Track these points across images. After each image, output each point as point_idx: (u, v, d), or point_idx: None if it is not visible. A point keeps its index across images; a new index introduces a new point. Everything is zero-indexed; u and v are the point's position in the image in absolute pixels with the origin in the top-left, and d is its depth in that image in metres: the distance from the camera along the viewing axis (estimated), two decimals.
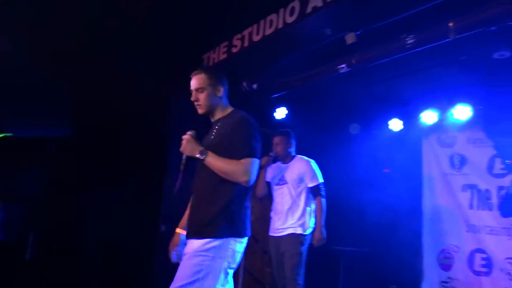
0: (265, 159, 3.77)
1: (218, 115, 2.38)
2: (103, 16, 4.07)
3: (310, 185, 3.76)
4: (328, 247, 4.06)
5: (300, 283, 3.60)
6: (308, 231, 3.73)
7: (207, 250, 2.10)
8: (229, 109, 2.40)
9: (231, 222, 2.18)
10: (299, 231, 3.68)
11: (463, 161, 4.77)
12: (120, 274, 4.43)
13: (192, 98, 2.36)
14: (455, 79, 4.26)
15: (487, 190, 4.50)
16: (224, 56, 4.42)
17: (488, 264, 4.39)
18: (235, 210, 2.21)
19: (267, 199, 4.06)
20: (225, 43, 4.41)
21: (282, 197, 3.82)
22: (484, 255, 4.44)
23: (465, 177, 4.72)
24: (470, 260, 4.56)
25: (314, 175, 3.78)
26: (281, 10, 3.66)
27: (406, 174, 5.13)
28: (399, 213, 4.98)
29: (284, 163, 3.93)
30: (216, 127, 2.35)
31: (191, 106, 5.12)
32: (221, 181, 2.18)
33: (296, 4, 3.49)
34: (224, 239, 2.14)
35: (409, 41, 3.21)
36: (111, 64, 4.45)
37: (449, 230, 4.80)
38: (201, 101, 2.34)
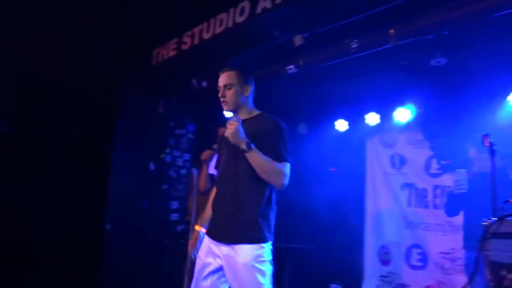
0: (207, 152, 3.68)
1: (244, 115, 2.35)
2: (47, 11, 3.92)
3: None
4: (274, 244, 4.13)
5: None
6: None
7: (262, 254, 2.15)
8: (256, 111, 2.41)
9: (269, 225, 2.24)
10: None
11: (402, 161, 5.02)
12: (67, 273, 4.29)
13: (220, 94, 2.35)
14: (397, 83, 4.48)
15: (424, 189, 4.77)
16: (174, 52, 4.38)
17: (424, 258, 4.66)
18: (273, 213, 2.29)
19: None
20: (175, 40, 4.38)
21: None
22: (420, 250, 4.71)
23: (404, 176, 4.97)
24: (408, 255, 4.82)
25: None
26: (231, 10, 3.68)
27: (351, 173, 5.32)
28: (343, 211, 5.17)
29: None
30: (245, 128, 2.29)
31: (139, 102, 5.05)
32: (261, 183, 2.20)
33: (246, 5, 3.53)
34: (268, 243, 2.21)
35: (353, 46, 3.35)
36: (56, 59, 4.28)
37: (389, 227, 5.04)
38: (228, 97, 2.32)
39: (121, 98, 4.76)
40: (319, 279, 5.09)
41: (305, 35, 3.44)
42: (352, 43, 3.36)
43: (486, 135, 2.91)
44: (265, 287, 2.12)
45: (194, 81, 4.60)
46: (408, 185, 4.91)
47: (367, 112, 4.96)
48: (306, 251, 5.30)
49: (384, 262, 5.02)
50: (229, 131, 2.16)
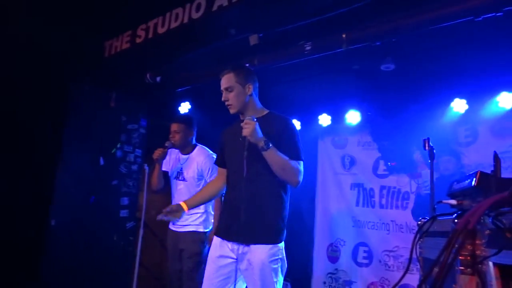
0: (159, 151, 3.53)
1: (251, 113, 2.34)
2: None
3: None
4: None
5: (199, 280, 3.56)
6: (210, 229, 3.64)
7: (276, 253, 2.24)
8: (265, 110, 2.45)
9: (285, 225, 2.34)
10: (200, 229, 3.58)
11: (352, 161, 5.19)
12: (4, 268, 4.10)
13: (223, 98, 2.36)
14: (348, 86, 4.62)
15: (371, 189, 4.95)
16: (127, 45, 4.29)
17: (369, 256, 4.85)
18: (287, 213, 2.37)
19: (164, 192, 3.93)
20: (129, 32, 4.28)
21: (181, 192, 3.65)
22: (366, 248, 4.89)
23: (354, 177, 5.14)
24: (354, 253, 4.99)
25: (214, 172, 3.55)
26: (188, 5, 3.66)
27: (303, 172, 5.42)
28: (294, 209, 5.21)
29: (183, 154, 3.70)
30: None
31: (90, 94, 4.89)
32: (279, 184, 2.27)
33: (203, 1, 3.52)
34: (282, 242, 2.31)
35: (307, 48, 3.42)
36: (9, 45, 4.07)
37: (338, 225, 5.19)
38: (231, 100, 2.35)
39: (72, 90, 4.61)
40: None
41: (260, 35, 3.48)
42: (306, 45, 3.44)
43: (427, 139, 3.07)
44: (278, 284, 2.24)
45: (148, 76, 4.52)
46: (357, 185, 5.08)
47: (319, 113, 5.08)
48: None
49: (332, 259, 5.17)
50: (247, 130, 2.17)
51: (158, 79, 4.46)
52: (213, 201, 3.68)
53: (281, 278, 2.28)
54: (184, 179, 3.67)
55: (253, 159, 2.25)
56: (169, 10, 3.83)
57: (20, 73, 4.25)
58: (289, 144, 2.29)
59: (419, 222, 1.92)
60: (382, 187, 4.84)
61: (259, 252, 2.23)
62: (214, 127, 5.26)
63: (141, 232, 4.14)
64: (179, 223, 3.62)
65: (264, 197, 2.29)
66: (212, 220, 3.68)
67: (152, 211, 5.02)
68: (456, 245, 1.02)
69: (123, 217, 4.91)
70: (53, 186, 4.35)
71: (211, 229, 3.66)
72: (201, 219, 3.61)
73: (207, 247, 3.59)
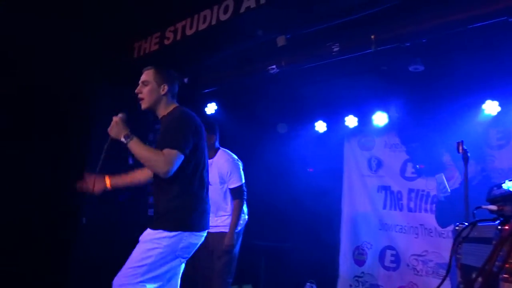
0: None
1: (162, 112, 2.45)
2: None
3: (230, 186, 3.64)
4: (250, 242, 4.17)
5: (229, 281, 3.60)
6: (239, 228, 3.67)
7: (159, 239, 2.22)
8: (173, 106, 2.46)
9: (186, 215, 2.29)
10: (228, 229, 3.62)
11: (379, 164, 5.12)
12: (34, 263, 4.23)
13: (136, 90, 2.45)
14: (376, 87, 4.56)
15: (399, 192, 4.87)
16: (156, 47, 4.36)
17: (397, 259, 4.77)
18: (190, 204, 2.31)
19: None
20: (158, 34, 4.36)
21: (212, 197, 3.72)
22: (394, 252, 4.82)
23: (381, 179, 5.07)
24: (382, 256, 4.93)
25: (234, 176, 3.64)
26: (216, 7, 3.69)
27: (328, 173, 5.39)
28: (320, 211, 5.24)
29: (209, 159, 3.81)
30: (160, 125, 2.46)
31: (119, 95, 4.98)
32: (176, 173, 2.24)
33: (231, 3, 3.55)
34: (178, 232, 2.24)
35: (334, 49, 3.40)
36: (34, 50, 4.20)
37: (364, 228, 5.14)
38: (143, 94, 2.43)
39: (101, 91, 4.70)
40: (294, 278, 5.16)
41: (287, 36, 3.48)
42: (333, 47, 3.42)
43: (460, 142, 3.00)
44: (144, 264, 2.20)
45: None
46: (384, 188, 5.01)
47: (346, 115, 5.04)
48: (282, 250, 5.36)
49: (359, 262, 5.11)
50: (110, 126, 2.35)
51: (185, 80, 4.52)
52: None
53: (156, 267, 2.23)
54: (209, 184, 3.71)
55: None
56: (197, 12, 3.87)
57: (52, 73, 4.37)
58: (166, 133, 2.31)
59: (457, 228, 1.87)
60: (411, 190, 4.75)
61: (146, 233, 2.34)
62: (240, 127, 5.32)
63: None
64: (211, 224, 3.67)
65: (159, 184, 2.36)
66: (241, 221, 3.71)
67: None
68: (502, 253, 0.99)
69: (151, 215, 4.97)
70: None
71: (241, 230, 3.71)
72: (228, 220, 3.65)
73: (237, 247, 3.65)
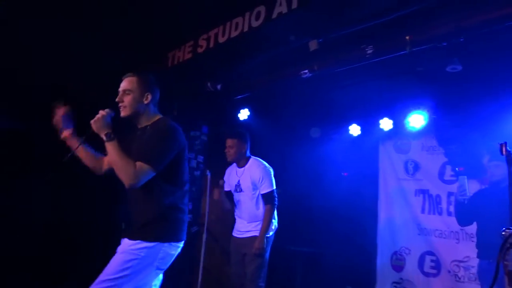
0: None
1: (144, 122, 2.36)
2: (63, 11, 4.01)
3: (262, 192, 3.72)
4: (286, 247, 4.17)
5: (262, 285, 3.64)
6: (270, 233, 3.73)
7: (138, 249, 2.17)
8: (157, 117, 2.38)
9: (165, 226, 2.25)
10: None
11: (416, 167, 5.00)
12: (79, 268, 4.37)
13: (117, 99, 2.33)
14: (411, 88, 4.47)
15: (437, 195, 4.74)
16: (189, 55, 4.44)
17: (437, 265, 4.64)
18: (169, 214, 2.27)
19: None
20: (191, 43, 4.44)
21: (241, 203, 3.84)
22: (434, 257, 4.69)
23: (418, 183, 4.95)
24: (421, 262, 4.80)
25: (265, 182, 3.72)
26: (247, 14, 3.73)
27: (363, 178, 5.32)
28: (356, 215, 5.17)
29: (239, 167, 3.90)
30: (140, 133, 2.35)
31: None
32: (156, 184, 2.21)
33: (262, 9, 3.57)
34: (158, 243, 2.20)
35: (368, 51, 3.36)
36: (74, 58, 4.36)
37: (402, 233, 5.02)
38: (125, 103, 2.31)
39: None
40: (331, 284, 5.11)
41: (320, 40, 3.46)
42: (367, 49, 3.38)
43: (504, 144, 2.88)
44: (121, 276, 2.14)
45: (208, 84, 4.65)
46: (422, 191, 4.89)
47: (380, 117, 4.96)
48: (319, 256, 5.32)
49: (397, 268, 5.00)
50: (94, 119, 2.22)
51: (218, 87, 4.58)
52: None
53: (134, 279, 2.18)
54: (241, 190, 3.84)
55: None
56: (229, 20, 3.92)
57: (87, 83, 4.52)
58: (146, 145, 2.23)
59: (504, 233, 1.79)
60: (450, 194, 4.62)
61: (125, 243, 2.26)
62: (273, 132, 5.33)
63: (204, 236, 4.27)
64: (242, 229, 3.81)
65: (139, 193, 2.28)
66: (272, 227, 3.76)
67: (212, 216, 5.16)
68: None
69: (188, 221, 5.05)
70: (122, 190, 4.55)
71: (271, 236, 3.76)
72: (260, 225, 3.71)
73: (268, 252, 3.70)
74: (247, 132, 3.96)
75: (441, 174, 4.77)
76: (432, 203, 4.80)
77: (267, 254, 3.71)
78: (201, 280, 4.06)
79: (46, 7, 3.86)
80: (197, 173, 5.26)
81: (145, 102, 2.33)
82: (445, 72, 3.79)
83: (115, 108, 2.32)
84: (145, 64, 4.72)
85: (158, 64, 4.79)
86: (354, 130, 5.24)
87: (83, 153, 2.46)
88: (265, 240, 3.66)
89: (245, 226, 3.77)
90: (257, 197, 3.75)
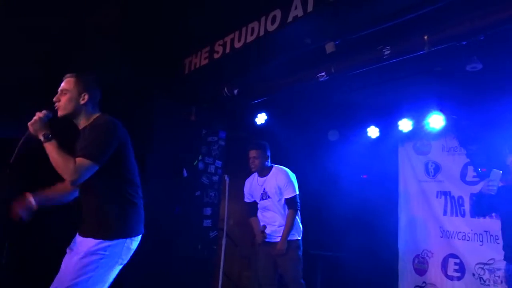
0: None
1: (83, 122, 2.37)
2: (82, 17, 4.08)
3: (286, 197, 3.88)
4: (306, 251, 4.15)
5: (302, 282, 3.80)
6: (299, 237, 3.89)
7: (103, 248, 2.18)
8: (95, 115, 2.38)
9: (123, 222, 2.25)
10: (294, 237, 3.84)
11: (437, 168, 4.93)
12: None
13: (54, 99, 2.35)
14: (430, 88, 4.41)
15: (460, 197, 4.66)
16: (206, 61, 4.47)
17: (461, 268, 4.55)
18: (127, 210, 2.28)
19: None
20: (207, 49, 4.47)
21: (269, 208, 3.95)
22: (457, 260, 4.60)
23: (439, 184, 4.88)
24: (444, 265, 4.72)
25: (289, 187, 3.88)
26: (263, 18, 3.74)
27: (382, 180, 5.27)
28: (375, 218, 5.11)
29: (261, 177, 4.03)
30: (81, 134, 2.36)
31: (172, 110, 5.16)
32: (104, 180, 2.23)
33: (278, 13, 3.58)
34: (120, 240, 2.22)
35: (385, 52, 3.33)
36: (88, 67, 4.45)
37: (424, 236, 4.95)
38: (61, 103, 2.32)
39: (155, 106, 4.89)
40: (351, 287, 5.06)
41: (336, 42, 3.45)
42: (384, 50, 3.35)
43: None
44: (83, 280, 2.13)
45: (225, 89, 4.67)
46: (444, 193, 4.82)
47: (399, 119, 4.91)
48: (338, 259, 5.28)
49: (419, 271, 4.93)
50: (31, 121, 2.21)
51: (235, 91, 4.59)
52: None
53: (96, 278, 2.17)
54: (269, 197, 3.95)
55: None
56: (245, 25, 3.94)
57: (105, 90, 4.60)
58: (84, 141, 2.23)
59: None
60: (473, 195, 4.53)
61: (84, 244, 2.24)
62: (290, 135, 5.33)
63: (224, 241, 4.28)
64: (273, 234, 3.89)
65: (93, 192, 2.30)
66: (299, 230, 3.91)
67: (230, 221, 5.17)
68: None
69: (207, 226, 5.09)
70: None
71: (300, 239, 3.92)
72: (292, 231, 3.85)
73: (300, 253, 3.89)
74: (267, 142, 4.11)
75: (463, 175, 4.69)
76: (455, 205, 4.72)
77: (301, 254, 3.88)
78: (221, 285, 4.06)
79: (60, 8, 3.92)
80: (216, 178, 5.29)
81: (82, 102, 2.33)
82: (464, 71, 3.74)
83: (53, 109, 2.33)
84: (162, 71, 4.78)
85: (175, 71, 4.84)
86: (373, 132, 5.20)
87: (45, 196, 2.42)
88: (298, 243, 3.87)
89: (276, 231, 3.87)
90: (284, 204, 3.91)
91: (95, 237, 2.20)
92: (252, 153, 3.99)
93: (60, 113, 2.33)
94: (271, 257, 3.88)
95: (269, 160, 4.03)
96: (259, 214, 4.06)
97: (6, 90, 4.02)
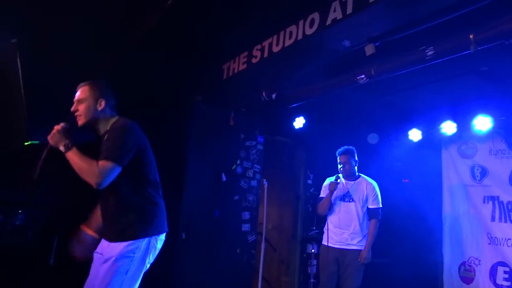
0: (333, 185, 3.98)
1: (103, 128, 2.41)
2: (122, 25, 4.21)
3: (371, 206, 3.98)
4: None
5: None
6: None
7: (132, 250, 2.24)
8: (113, 119, 2.42)
9: (147, 221, 2.31)
10: (363, 247, 3.94)
11: (484, 172, 4.75)
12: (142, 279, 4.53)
13: (72, 109, 2.39)
14: (475, 89, 4.27)
15: (509, 202, 4.47)
16: (244, 66, 4.51)
17: (511, 277, 4.35)
18: (148, 209, 2.33)
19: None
20: (245, 54, 4.51)
21: (349, 213, 4.00)
22: (507, 268, 4.41)
23: (486, 189, 4.70)
24: (493, 273, 4.53)
25: (376, 198, 4.02)
26: (301, 22, 3.74)
27: (425, 184, 5.13)
28: (419, 224, 4.99)
29: (349, 180, 4.10)
30: (102, 141, 2.38)
31: (211, 115, 5.24)
32: (125, 183, 2.28)
33: (316, 16, 3.57)
34: (146, 238, 2.28)
35: (428, 53, 3.25)
36: (130, 75, 4.57)
37: (470, 243, 4.77)
38: (80, 111, 2.37)
39: (195, 112, 4.98)
40: None
41: (376, 44, 3.40)
42: (427, 50, 3.27)
43: None
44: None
45: (263, 94, 4.70)
46: (491, 198, 4.63)
47: (442, 121, 4.77)
48: (381, 266, 5.16)
49: (466, 280, 4.75)
50: (50, 134, 2.27)
51: (273, 96, 4.61)
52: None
53: (133, 275, 2.25)
54: (352, 200, 4.03)
55: None
56: (283, 29, 3.95)
57: (145, 97, 4.72)
58: (104, 145, 2.26)
59: None
60: None
61: (112, 248, 2.30)
62: (328, 139, 5.28)
63: (263, 246, 4.29)
64: (342, 240, 3.97)
65: (114, 196, 2.33)
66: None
67: (268, 225, 5.17)
68: None
69: (245, 231, 5.12)
70: (182, 201, 4.71)
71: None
72: (364, 239, 3.98)
73: None
74: (355, 148, 4.19)
75: None
76: (503, 210, 4.52)
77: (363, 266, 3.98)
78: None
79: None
80: (254, 182, 5.31)
81: (99, 108, 2.38)
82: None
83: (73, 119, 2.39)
84: (201, 78, 4.87)
85: (213, 77, 4.91)
86: (415, 135, 5.07)
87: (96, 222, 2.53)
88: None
89: (347, 238, 3.94)
90: (365, 211, 4.00)
91: (122, 240, 2.26)
92: (343, 158, 4.09)
93: (80, 122, 2.38)
94: (337, 264, 3.95)
95: (357, 167, 4.14)
96: (331, 216, 4.09)
97: (49, 95, 4.20)
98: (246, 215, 5.17)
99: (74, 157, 2.22)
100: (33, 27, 3.75)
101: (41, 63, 3.77)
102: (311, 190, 5.70)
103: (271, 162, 5.64)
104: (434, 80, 4.26)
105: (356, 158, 4.12)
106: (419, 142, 5.10)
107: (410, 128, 5.08)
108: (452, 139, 4.96)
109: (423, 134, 5.03)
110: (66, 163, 2.33)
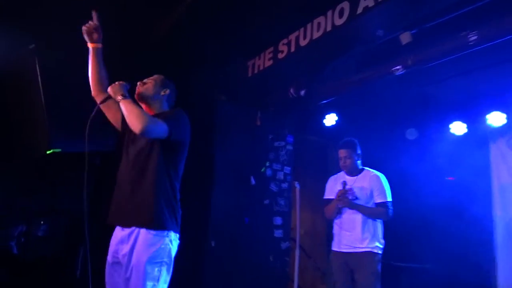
0: (342, 192, 3.80)
1: (155, 110, 2.57)
2: (149, 22, 4.27)
3: (377, 201, 3.73)
4: (387, 263, 3.99)
5: None
6: (380, 251, 3.74)
7: (164, 237, 2.32)
8: (167, 110, 2.60)
9: (173, 216, 2.38)
10: (376, 250, 3.70)
11: None
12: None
13: (140, 81, 2.59)
14: None
15: None
16: (270, 62, 4.49)
17: None
18: (174, 205, 2.41)
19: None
20: (271, 49, 4.49)
21: (354, 212, 3.79)
22: None
23: None
24: None
25: (382, 191, 3.76)
26: (329, 12, 3.69)
27: (472, 182, 4.96)
28: (466, 225, 4.82)
29: (351, 176, 3.90)
30: None
31: (236, 115, 5.23)
32: (164, 172, 2.37)
33: (346, 5, 3.51)
34: (172, 231, 2.36)
35: (471, 38, 3.15)
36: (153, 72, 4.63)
37: None
38: (147, 84, 2.58)
39: (218, 111, 4.99)
40: None
41: (413, 31, 3.32)
42: (470, 35, 3.16)
43: None
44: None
45: (291, 90, 4.66)
46: None
47: (489, 112, 4.60)
48: (424, 272, 5.04)
49: None
50: (111, 85, 2.42)
51: (302, 92, 4.56)
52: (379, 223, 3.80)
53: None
54: (356, 198, 3.82)
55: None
56: (310, 21, 3.91)
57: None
58: (163, 116, 2.42)
59: None
60: None
61: (142, 238, 2.36)
62: (363, 137, 5.18)
63: (297, 253, 4.24)
64: (350, 244, 3.76)
65: (144, 181, 2.41)
66: (381, 245, 3.76)
67: (301, 231, 5.12)
68: None
69: (278, 237, 5.08)
70: (210, 208, 4.72)
71: (382, 252, 3.77)
72: (375, 239, 3.74)
73: (380, 268, 3.72)
74: (357, 139, 3.98)
75: None
76: None
77: (380, 269, 3.71)
78: None
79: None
80: (285, 185, 5.27)
81: (162, 93, 2.58)
82: None
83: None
84: (225, 75, 4.87)
85: (238, 75, 4.91)
86: (458, 128, 4.91)
87: (93, 58, 2.63)
88: (381, 255, 3.72)
89: (355, 240, 3.73)
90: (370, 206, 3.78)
91: (154, 227, 2.30)
92: (342, 153, 3.87)
93: (140, 90, 2.57)
94: (349, 271, 3.76)
95: (360, 161, 3.92)
96: (336, 218, 3.91)
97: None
98: (278, 220, 5.14)
99: (128, 105, 2.35)
100: (51, 33, 3.84)
101: (59, 70, 3.86)
102: None
103: (301, 163, 5.59)
104: (478, 68, 4.12)
105: (359, 151, 3.89)
106: (464, 135, 4.94)
107: (452, 121, 4.93)
108: (501, 131, 4.77)
109: (468, 127, 4.86)
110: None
